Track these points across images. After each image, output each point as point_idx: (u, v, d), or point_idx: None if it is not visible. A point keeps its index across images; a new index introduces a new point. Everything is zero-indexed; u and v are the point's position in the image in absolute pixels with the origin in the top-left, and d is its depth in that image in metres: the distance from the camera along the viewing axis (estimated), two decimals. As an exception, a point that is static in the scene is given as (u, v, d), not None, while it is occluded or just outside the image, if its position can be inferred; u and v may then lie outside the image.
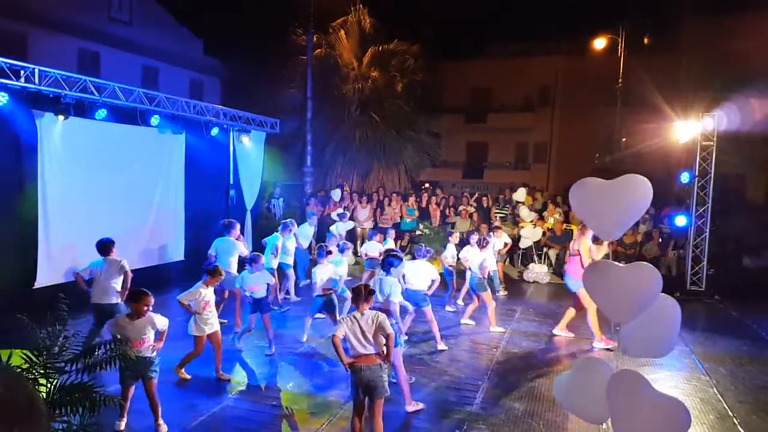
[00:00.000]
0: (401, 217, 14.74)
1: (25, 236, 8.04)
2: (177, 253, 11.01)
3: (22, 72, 7.54)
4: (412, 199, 15.15)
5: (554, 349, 7.72)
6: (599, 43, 22.41)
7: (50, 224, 8.35)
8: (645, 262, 3.41)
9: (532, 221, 13.37)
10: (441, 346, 7.49)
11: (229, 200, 12.22)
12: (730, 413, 5.74)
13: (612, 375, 3.14)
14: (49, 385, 3.72)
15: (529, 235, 13.08)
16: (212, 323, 6.17)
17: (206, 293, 6.10)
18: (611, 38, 21.89)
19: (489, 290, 8.50)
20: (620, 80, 20.97)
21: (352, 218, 14.31)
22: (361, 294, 4.61)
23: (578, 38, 23.86)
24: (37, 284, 8.16)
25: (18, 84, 7.50)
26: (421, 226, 14.28)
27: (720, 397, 6.14)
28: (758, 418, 5.67)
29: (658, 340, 3.37)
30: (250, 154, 12.53)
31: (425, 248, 8.00)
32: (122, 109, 9.20)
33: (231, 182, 12.27)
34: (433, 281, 7.52)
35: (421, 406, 5.60)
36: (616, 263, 3.47)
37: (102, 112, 8.76)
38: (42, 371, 3.73)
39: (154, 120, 9.82)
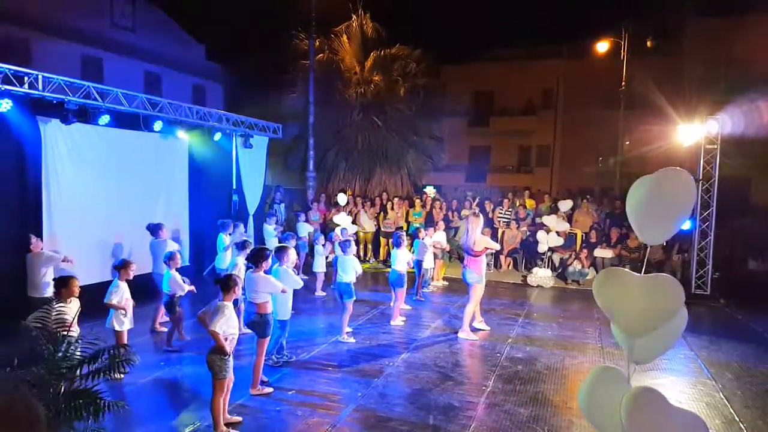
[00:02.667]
0: (408, 222, 14.73)
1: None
2: (181, 258, 11.00)
3: (25, 78, 7.56)
4: (418, 203, 15.15)
5: (558, 354, 7.68)
6: (602, 46, 22.39)
7: (54, 230, 8.36)
8: (666, 274, 3.22)
9: (565, 230, 13.16)
10: (344, 338, 7.90)
11: (231, 205, 12.24)
12: (736, 418, 5.70)
13: (629, 393, 3.03)
14: (53, 391, 3.71)
15: (545, 239, 12.94)
16: (131, 320, 6.49)
17: (126, 288, 6.43)
18: (614, 41, 21.87)
19: (404, 287, 9.11)
20: (623, 83, 20.95)
21: (354, 222, 14.31)
22: (221, 284, 5.14)
23: (580, 41, 23.87)
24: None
25: (21, 90, 7.52)
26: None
27: (726, 402, 6.10)
28: (765, 423, 5.62)
29: (667, 344, 3.27)
30: (252, 158, 12.54)
31: (350, 243, 8.26)
32: (125, 114, 9.23)
33: (234, 187, 12.28)
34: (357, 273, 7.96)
35: (268, 390, 5.93)
36: (632, 272, 3.20)
37: (105, 118, 8.78)
38: (46, 377, 3.73)
39: (157, 125, 9.84)
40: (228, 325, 4.96)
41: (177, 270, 7.55)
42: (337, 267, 8.15)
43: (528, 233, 13.77)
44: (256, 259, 6.13)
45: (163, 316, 8.52)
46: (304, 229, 12.36)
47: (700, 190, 11.23)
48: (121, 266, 6.59)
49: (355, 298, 7.98)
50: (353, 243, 8.35)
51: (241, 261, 7.82)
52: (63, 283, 5.57)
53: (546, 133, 27.08)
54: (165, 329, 8.13)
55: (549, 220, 13.22)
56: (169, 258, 7.50)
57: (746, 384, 6.69)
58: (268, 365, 6.56)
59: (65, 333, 4.04)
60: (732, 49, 18.27)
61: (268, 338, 6.03)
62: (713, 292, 11.21)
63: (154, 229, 8.58)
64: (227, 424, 5.12)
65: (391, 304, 9.42)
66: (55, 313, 4.89)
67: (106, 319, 6.46)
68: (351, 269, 7.84)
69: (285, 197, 16.24)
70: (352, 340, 7.91)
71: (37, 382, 3.63)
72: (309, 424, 5.36)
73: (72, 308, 5.42)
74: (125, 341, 6.32)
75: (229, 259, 8.80)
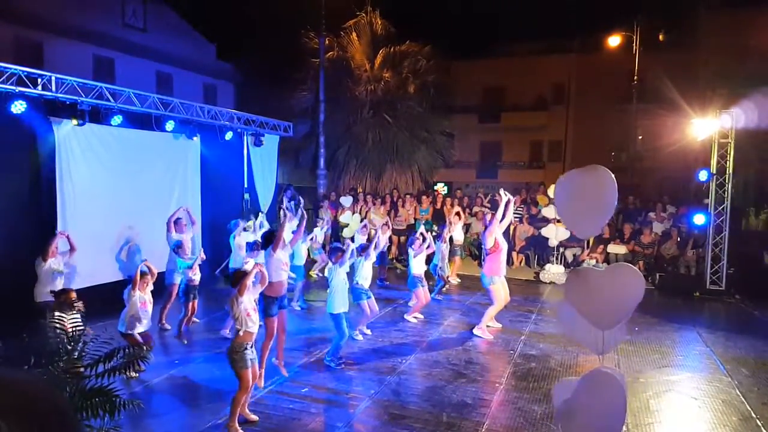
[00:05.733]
0: (415, 219, 14.69)
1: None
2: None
3: (39, 80, 7.64)
4: (426, 199, 15.10)
5: (572, 351, 7.64)
6: (614, 40, 22.16)
7: (69, 230, 8.42)
8: (626, 263, 3.40)
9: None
10: (357, 335, 7.92)
11: (244, 204, 12.29)
12: (753, 415, 5.64)
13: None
14: (69, 390, 3.75)
15: (554, 234, 12.86)
16: (147, 322, 6.59)
17: (139, 296, 6.51)
18: (626, 34, 21.64)
19: (419, 288, 8.87)
20: (636, 77, 20.72)
21: (364, 220, 14.30)
22: (231, 281, 5.30)
23: (592, 35, 23.64)
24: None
25: (35, 92, 7.60)
26: (434, 228, 14.22)
27: (743, 399, 6.04)
28: (783, 420, 5.56)
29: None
30: (264, 157, 12.58)
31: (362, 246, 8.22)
32: (137, 114, 9.29)
33: (245, 186, 12.32)
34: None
35: (260, 384, 5.93)
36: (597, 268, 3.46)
37: (118, 118, 8.85)
38: (63, 376, 3.77)
39: (169, 125, 9.90)
40: (241, 317, 5.00)
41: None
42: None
43: (538, 232, 13.67)
44: (267, 240, 6.34)
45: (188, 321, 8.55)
46: (321, 236, 12.29)
47: (714, 185, 11.11)
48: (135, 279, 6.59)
49: (365, 300, 7.85)
50: (374, 247, 8.28)
51: (252, 262, 7.89)
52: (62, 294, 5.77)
53: (558, 129, 26.87)
54: (169, 327, 8.22)
55: (548, 211, 13.10)
56: (177, 246, 7.65)
57: (763, 380, 6.61)
58: (326, 363, 6.73)
59: (81, 332, 4.08)
60: (746, 41, 18.00)
61: (272, 318, 6.10)
62: (728, 287, 11.08)
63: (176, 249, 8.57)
64: (245, 422, 5.16)
65: (410, 303, 9.40)
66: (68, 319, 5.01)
67: (119, 322, 6.50)
68: (359, 273, 7.77)
69: (295, 196, 16.23)
70: (359, 337, 7.91)
71: (54, 380, 3.67)
72: (323, 421, 5.38)
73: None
74: (139, 341, 6.39)
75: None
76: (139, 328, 6.48)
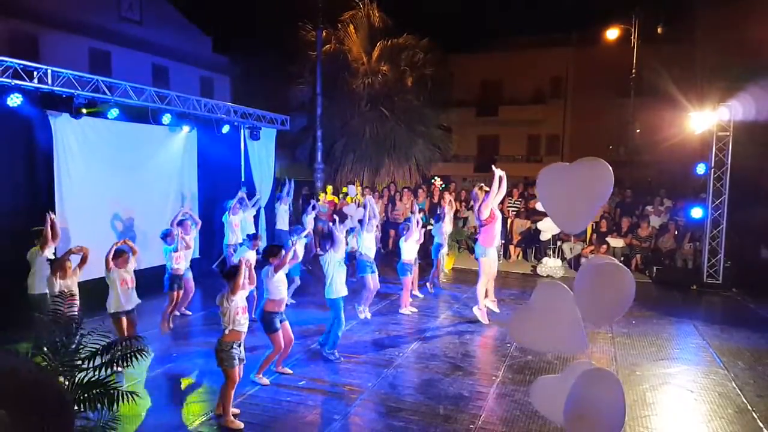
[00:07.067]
0: (411, 212, 14.67)
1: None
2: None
3: (35, 73, 7.61)
4: (422, 193, 15.08)
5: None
6: (612, 33, 22.10)
7: (67, 223, 8.41)
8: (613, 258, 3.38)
9: None
10: (361, 312, 8.29)
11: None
12: (749, 407, 5.67)
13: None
14: (67, 382, 3.76)
15: (548, 228, 12.84)
16: (131, 301, 6.50)
17: (118, 273, 6.42)
18: (624, 28, 21.59)
19: (409, 276, 9.02)
20: (634, 70, 20.69)
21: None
22: (225, 277, 5.23)
23: (590, 28, 23.61)
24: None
25: (31, 85, 7.57)
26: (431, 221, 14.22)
27: (739, 391, 6.06)
28: (778, 412, 5.59)
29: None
30: (261, 151, 12.55)
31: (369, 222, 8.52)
32: (134, 108, 9.26)
33: (243, 179, 12.30)
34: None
35: (265, 381, 5.95)
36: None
37: (114, 112, 8.81)
38: (60, 368, 3.77)
39: (166, 118, 9.86)
40: (230, 315, 5.01)
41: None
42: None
43: (535, 226, 13.66)
44: (267, 255, 6.21)
45: (185, 309, 8.59)
46: (310, 223, 12.30)
47: (712, 178, 11.12)
48: (114, 256, 6.49)
49: (369, 273, 8.06)
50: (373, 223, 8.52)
51: (252, 254, 7.87)
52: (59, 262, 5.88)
53: (555, 122, 26.87)
54: (178, 313, 8.24)
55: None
56: (166, 235, 7.68)
57: (759, 373, 6.64)
58: (325, 356, 6.73)
59: (78, 324, 4.08)
60: (744, 34, 17.97)
61: (276, 333, 5.98)
62: (725, 281, 11.11)
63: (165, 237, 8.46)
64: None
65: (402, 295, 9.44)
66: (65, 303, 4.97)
67: (107, 302, 6.44)
68: (361, 244, 7.98)
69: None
70: (362, 316, 8.12)
71: (52, 372, 3.67)
72: (320, 414, 5.39)
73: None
74: (124, 327, 6.36)
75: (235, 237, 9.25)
76: (125, 307, 6.34)
